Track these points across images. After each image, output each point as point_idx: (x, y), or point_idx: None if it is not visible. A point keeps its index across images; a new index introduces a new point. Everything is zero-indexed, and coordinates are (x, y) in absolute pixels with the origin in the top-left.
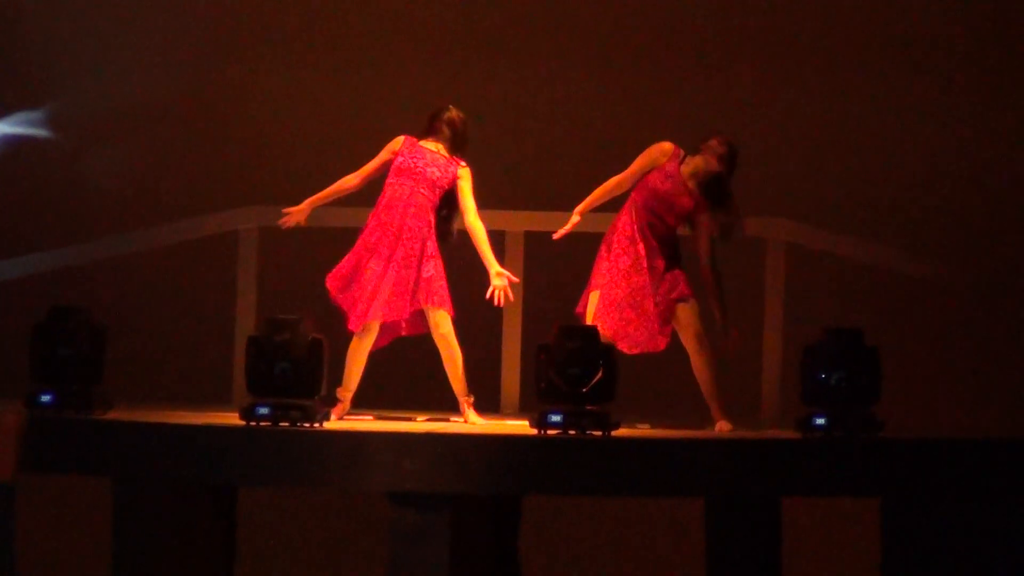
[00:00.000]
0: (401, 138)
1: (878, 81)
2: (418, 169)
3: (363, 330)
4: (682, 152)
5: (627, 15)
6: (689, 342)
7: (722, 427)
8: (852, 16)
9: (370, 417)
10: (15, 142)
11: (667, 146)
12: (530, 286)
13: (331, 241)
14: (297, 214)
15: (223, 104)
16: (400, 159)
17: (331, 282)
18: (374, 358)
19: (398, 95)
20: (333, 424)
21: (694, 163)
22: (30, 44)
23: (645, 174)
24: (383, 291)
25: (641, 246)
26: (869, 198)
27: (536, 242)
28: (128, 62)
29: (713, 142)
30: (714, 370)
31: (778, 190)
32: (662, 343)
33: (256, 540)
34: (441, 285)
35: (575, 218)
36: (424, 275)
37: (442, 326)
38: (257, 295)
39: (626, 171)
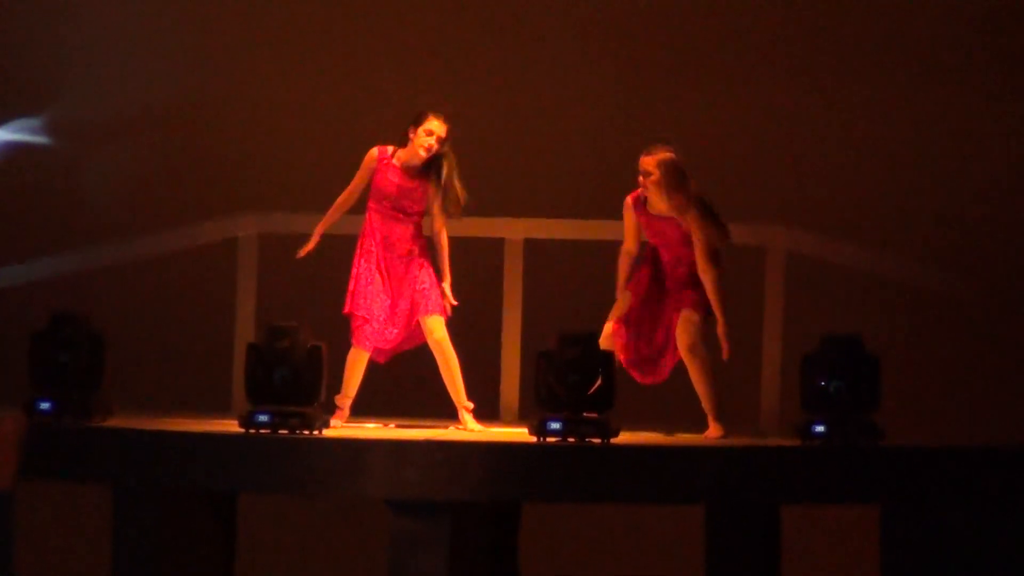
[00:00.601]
0: (375, 152)
1: (879, 86)
2: (392, 196)
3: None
4: (641, 196)
5: (630, 19)
6: (682, 353)
7: (710, 432)
8: (855, 20)
9: (392, 425)
10: (13, 149)
11: (627, 202)
12: (530, 293)
13: (330, 248)
14: (312, 246)
15: (222, 110)
16: (375, 178)
17: (349, 306)
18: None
19: (398, 100)
20: (332, 432)
21: (650, 201)
22: (28, 50)
23: (639, 229)
24: (389, 321)
25: (645, 290)
26: (870, 205)
27: (536, 249)
28: (126, 68)
29: (641, 177)
30: (707, 380)
31: (778, 198)
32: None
33: (256, 548)
34: (435, 293)
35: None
36: (418, 287)
37: (436, 331)
38: (256, 302)
39: (625, 238)
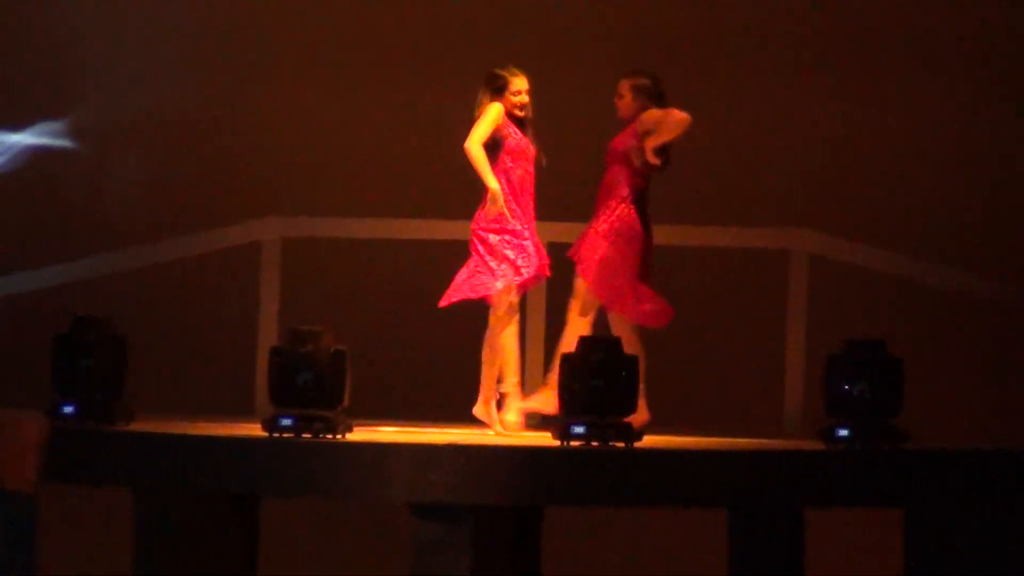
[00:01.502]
0: (500, 108)
1: (905, 88)
2: (523, 151)
3: (511, 309)
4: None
5: (644, 23)
6: None
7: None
8: (881, 21)
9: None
10: (37, 153)
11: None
12: (551, 296)
13: (353, 253)
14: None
15: (247, 114)
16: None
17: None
18: (379, 365)
19: (419, 104)
20: (355, 435)
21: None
22: (51, 55)
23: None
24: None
25: None
26: (893, 208)
27: (556, 252)
28: (151, 73)
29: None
30: None
31: (801, 200)
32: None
33: (278, 552)
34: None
35: None
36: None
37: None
38: (279, 306)
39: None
